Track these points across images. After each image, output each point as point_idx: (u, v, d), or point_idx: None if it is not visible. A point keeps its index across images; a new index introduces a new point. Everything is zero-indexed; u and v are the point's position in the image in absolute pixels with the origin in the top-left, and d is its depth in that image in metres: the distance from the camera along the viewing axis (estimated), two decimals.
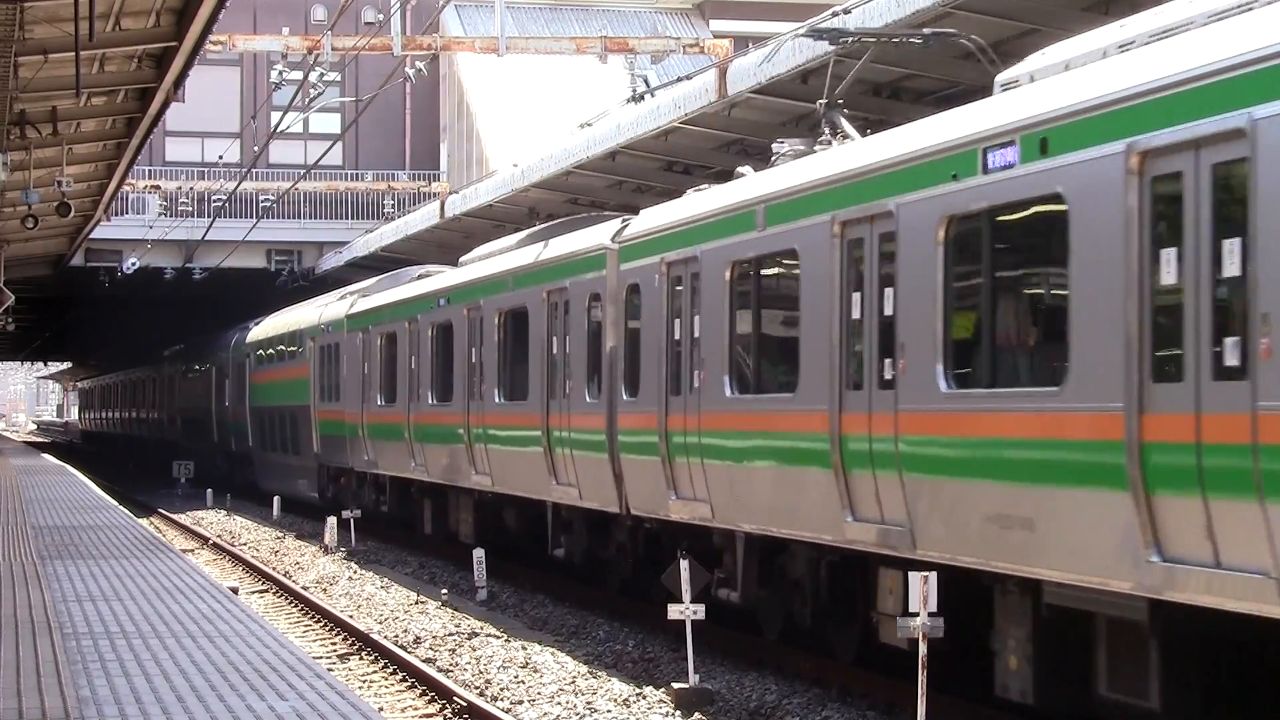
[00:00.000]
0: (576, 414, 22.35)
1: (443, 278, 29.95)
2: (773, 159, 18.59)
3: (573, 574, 25.57)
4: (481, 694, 17.56)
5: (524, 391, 24.57)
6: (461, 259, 30.03)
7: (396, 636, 21.87)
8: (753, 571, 18.06)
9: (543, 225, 27.68)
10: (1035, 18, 19.87)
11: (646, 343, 19.90)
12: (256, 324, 49.63)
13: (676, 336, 19.16)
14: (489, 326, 26.12)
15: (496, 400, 25.78)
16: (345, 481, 37.77)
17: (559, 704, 16.71)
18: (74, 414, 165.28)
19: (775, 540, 17.30)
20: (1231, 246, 10.56)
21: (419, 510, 32.11)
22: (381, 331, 32.94)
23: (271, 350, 45.94)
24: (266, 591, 28.01)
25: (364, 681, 18.91)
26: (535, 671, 18.60)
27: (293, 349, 42.83)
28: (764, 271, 17.19)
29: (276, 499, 43.49)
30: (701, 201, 18.91)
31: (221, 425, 53.94)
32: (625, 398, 20.60)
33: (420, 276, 33.22)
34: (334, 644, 21.95)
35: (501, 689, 17.68)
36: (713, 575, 17.99)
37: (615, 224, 21.87)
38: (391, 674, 19.22)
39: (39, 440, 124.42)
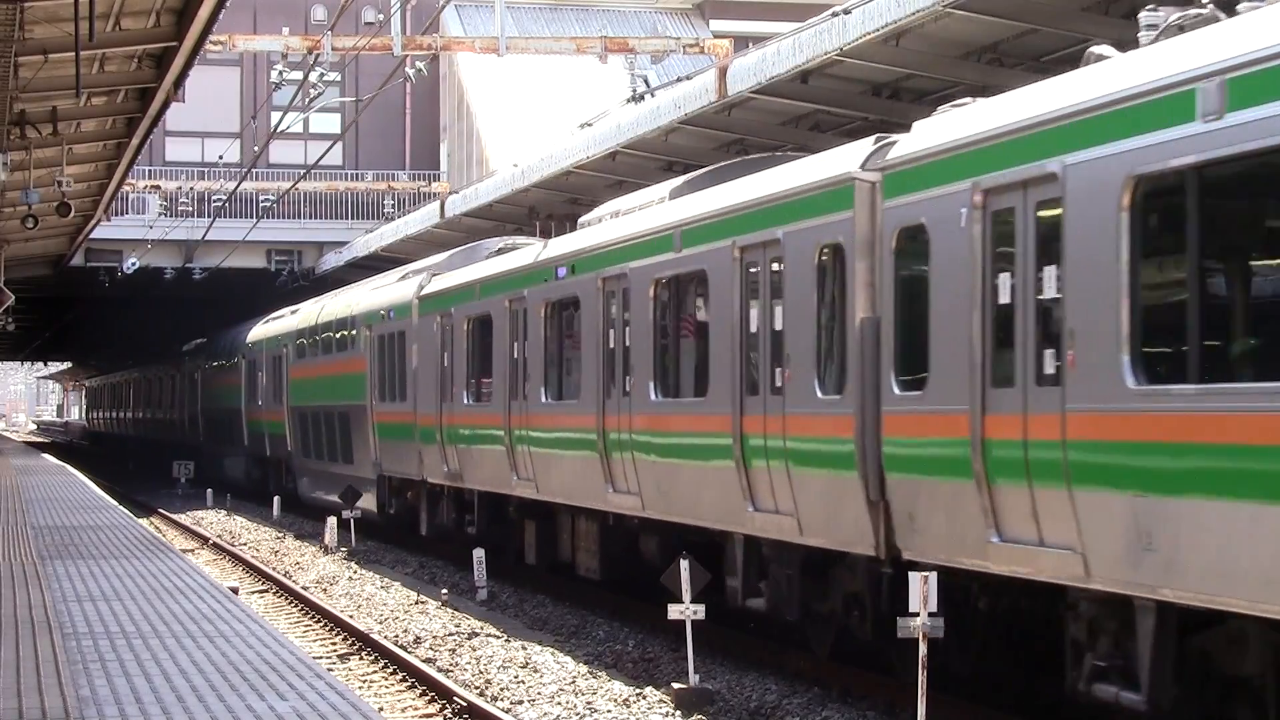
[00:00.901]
0: (801, 414, 16.27)
1: (562, 243, 23.81)
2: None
3: (769, 630, 19.78)
4: (481, 694, 17.56)
5: (699, 386, 18.63)
6: (582, 219, 24.60)
7: (396, 636, 21.87)
8: None
9: (697, 174, 21.84)
10: (1035, 18, 19.86)
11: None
12: (293, 311, 44.52)
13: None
14: (638, 302, 20.14)
15: (652, 398, 19.83)
16: (412, 496, 32.12)
17: (559, 704, 16.72)
18: (74, 414, 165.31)
19: None
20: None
21: (519, 535, 26.40)
22: (468, 314, 27.26)
23: (315, 341, 39.90)
24: (266, 591, 28.01)
25: (364, 681, 18.91)
26: (535, 671, 18.60)
27: (343, 339, 36.87)
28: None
29: (276, 499, 43.47)
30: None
31: (253, 427, 48.49)
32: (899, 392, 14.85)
33: (501, 250, 29.08)
34: (334, 644, 21.95)
35: (501, 689, 17.69)
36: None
37: (867, 145, 15.77)
38: (391, 674, 19.22)
39: (39, 440, 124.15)
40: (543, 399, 23.43)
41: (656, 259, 19.50)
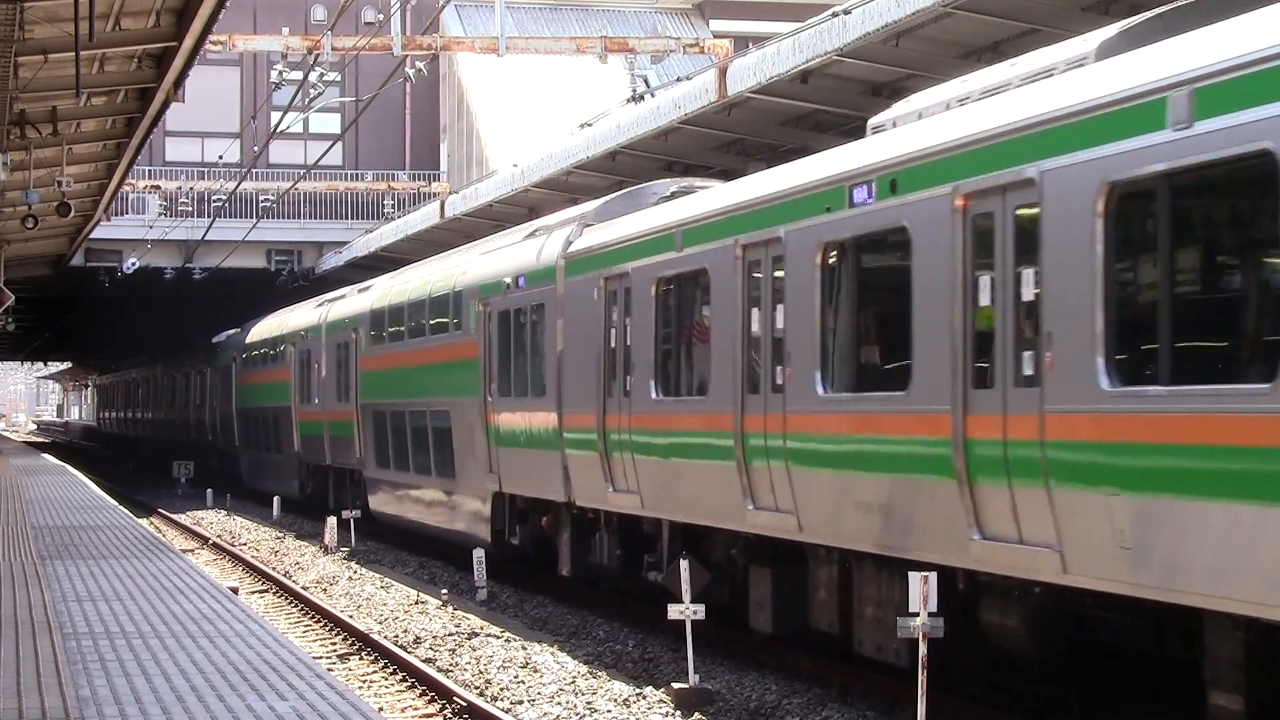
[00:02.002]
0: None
1: (853, 154, 15.78)
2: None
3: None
4: (481, 694, 17.56)
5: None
6: (873, 121, 16.70)
7: (396, 636, 21.87)
8: None
9: None
10: (1035, 18, 19.88)
11: None
12: (362, 289, 37.15)
13: None
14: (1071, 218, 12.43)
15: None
16: (549, 523, 24.19)
17: (559, 704, 16.72)
18: (74, 414, 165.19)
19: None
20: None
21: (740, 585, 18.78)
22: (661, 274, 19.53)
23: (398, 323, 32.26)
24: (266, 591, 28.01)
25: (364, 681, 18.91)
26: (535, 671, 18.61)
27: (440, 321, 29.22)
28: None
29: (276, 499, 43.46)
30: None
31: (307, 430, 40.77)
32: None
33: (678, 194, 22.14)
34: (334, 644, 21.95)
35: (501, 689, 17.69)
36: None
37: None
38: (391, 674, 19.23)
39: (39, 440, 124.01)
40: (820, 390, 15.85)
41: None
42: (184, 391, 65.64)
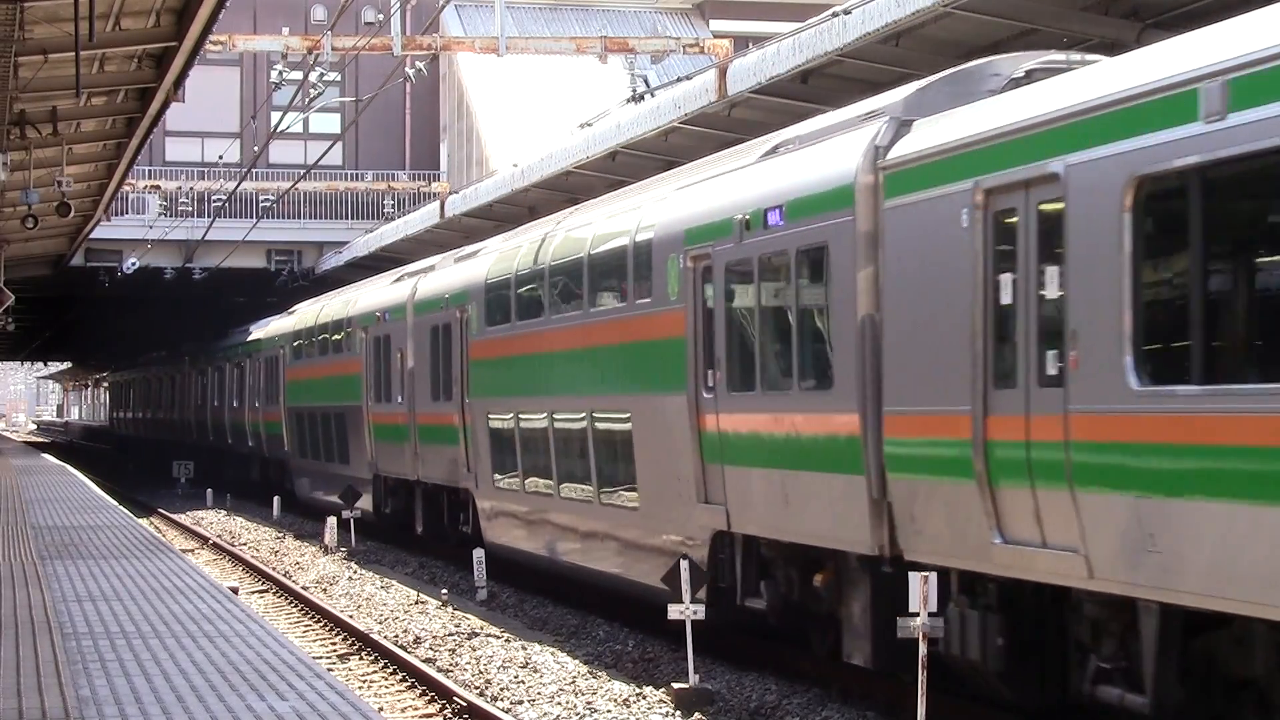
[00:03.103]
0: None
1: None
2: None
3: None
4: (481, 694, 17.57)
5: None
6: None
7: (396, 636, 21.87)
8: None
9: None
10: (1035, 17, 19.87)
11: None
12: (464, 257, 29.51)
13: None
14: None
15: None
16: (827, 583, 16.44)
17: (559, 704, 16.72)
18: (75, 414, 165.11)
19: None
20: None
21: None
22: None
23: (527, 301, 24.50)
24: (266, 591, 28.00)
25: (364, 681, 18.91)
26: (535, 671, 18.61)
27: (609, 287, 21.46)
28: None
29: (276, 499, 43.45)
30: None
31: (386, 435, 33.25)
32: None
33: (1035, 73, 15.05)
34: (334, 644, 21.95)
35: (501, 689, 17.69)
36: None
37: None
38: (391, 674, 19.23)
39: (39, 440, 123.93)
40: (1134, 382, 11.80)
41: None
42: (217, 388, 56.32)
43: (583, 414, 21.93)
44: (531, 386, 24.11)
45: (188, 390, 64.22)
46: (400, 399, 31.71)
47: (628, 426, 20.39)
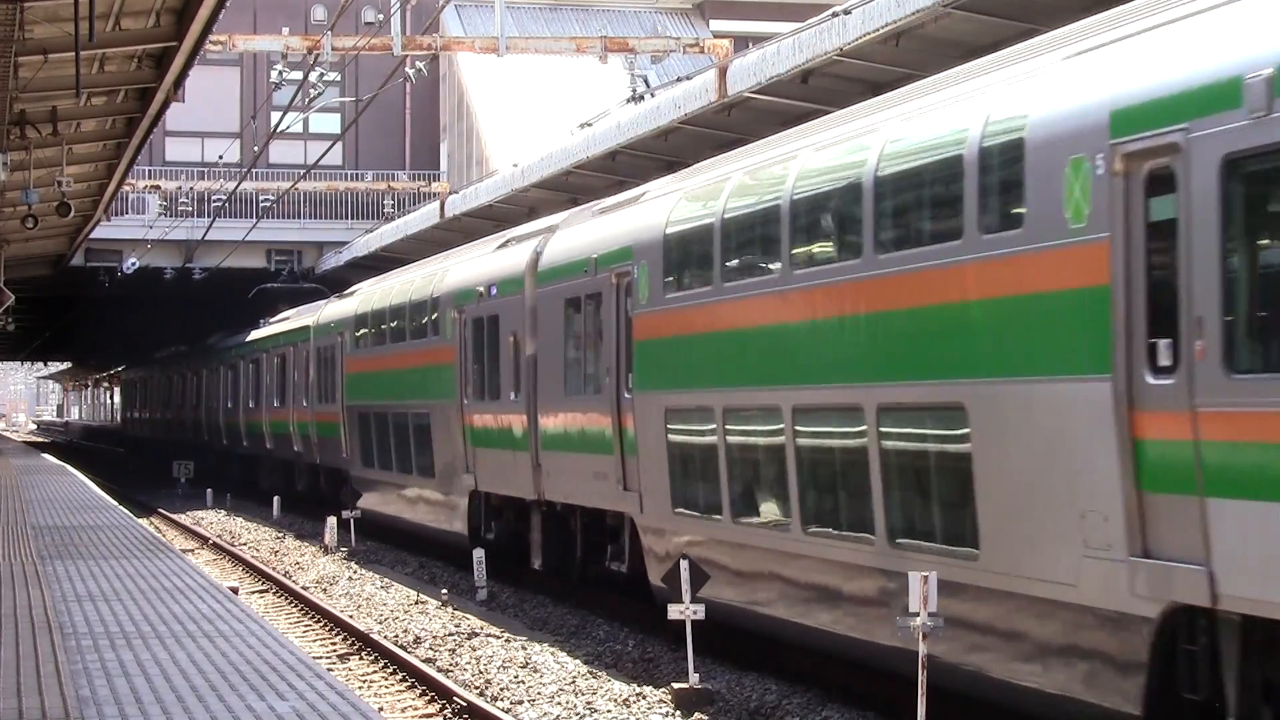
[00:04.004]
0: None
1: None
2: None
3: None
4: (481, 694, 17.57)
5: None
6: None
7: (396, 636, 21.87)
8: None
9: None
10: (1035, 17, 19.86)
11: None
12: (605, 209, 23.18)
13: None
14: None
15: None
16: None
17: (559, 704, 16.72)
18: (75, 414, 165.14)
19: None
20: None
21: None
22: None
23: (742, 251, 17.89)
24: (266, 591, 28.00)
25: (364, 681, 18.92)
26: (535, 671, 18.61)
27: (918, 220, 14.67)
28: None
29: (276, 498, 43.41)
30: None
31: (489, 442, 26.39)
32: None
33: None
34: (334, 644, 21.95)
35: (501, 689, 17.69)
36: None
37: None
38: (391, 674, 19.23)
39: (40, 440, 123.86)
40: None
41: None
42: (252, 384, 49.93)
43: (857, 412, 15.03)
44: (752, 373, 17.01)
45: (215, 387, 56.89)
46: (515, 395, 24.79)
47: (963, 435, 13.52)
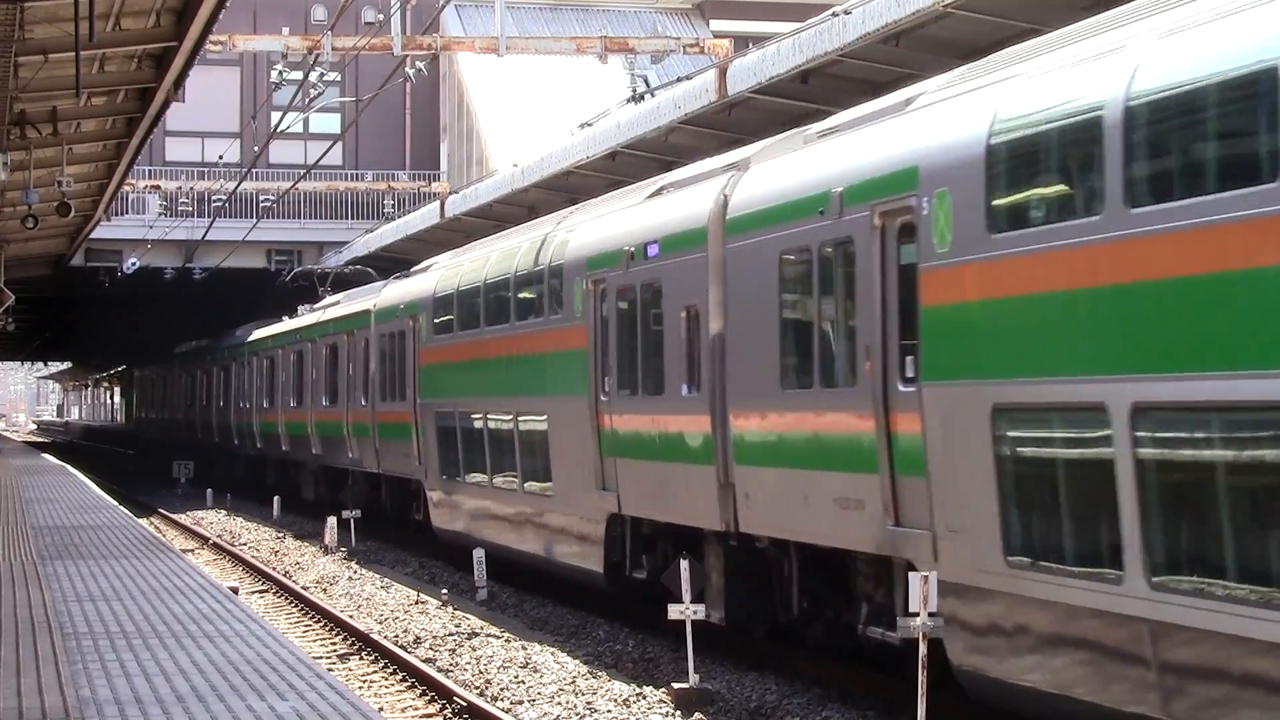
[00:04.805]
0: None
1: None
2: None
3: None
4: (481, 694, 17.57)
5: None
6: None
7: (396, 636, 21.87)
8: None
9: None
10: (1035, 17, 19.86)
11: None
12: (784, 144, 18.52)
13: None
14: None
15: None
16: None
17: (559, 704, 16.73)
18: (75, 414, 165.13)
19: None
20: None
21: None
22: None
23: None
24: (266, 591, 28.00)
25: (364, 681, 18.92)
26: (535, 671, 18.61)
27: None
28: None
29: (276, 498, 43.37)
30: None
31: (638, 450, 20.54)
32: None
33: None
34: (334, 644, 21.95)
35: (501, 689, 17.69)
36: None
37: None
38: (391, 674, 19.23)
39: (40, 440, 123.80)
40: None
41: None
42: (293, 380, 44.00)
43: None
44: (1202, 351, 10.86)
45: (247, 383, 51.01)
46: (690, 389, 18.80)
47: None
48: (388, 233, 49.06)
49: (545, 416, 23.36)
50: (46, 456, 66.41)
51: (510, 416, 25.02)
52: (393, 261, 44.34)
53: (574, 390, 22.08)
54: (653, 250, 19.79)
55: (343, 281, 46.18)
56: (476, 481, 26.98)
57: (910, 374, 14.26)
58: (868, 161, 15.11)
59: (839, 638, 16.79)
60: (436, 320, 29.50)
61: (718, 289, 18.08)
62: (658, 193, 21.07)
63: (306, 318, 44.03)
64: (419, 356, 30.66)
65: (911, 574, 13.55)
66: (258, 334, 50.36)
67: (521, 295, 24.86)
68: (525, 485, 24.50)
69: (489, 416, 26.17)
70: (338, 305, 40.47)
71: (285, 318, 47.69)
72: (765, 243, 16.89)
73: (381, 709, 16.86)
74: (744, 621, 18.49)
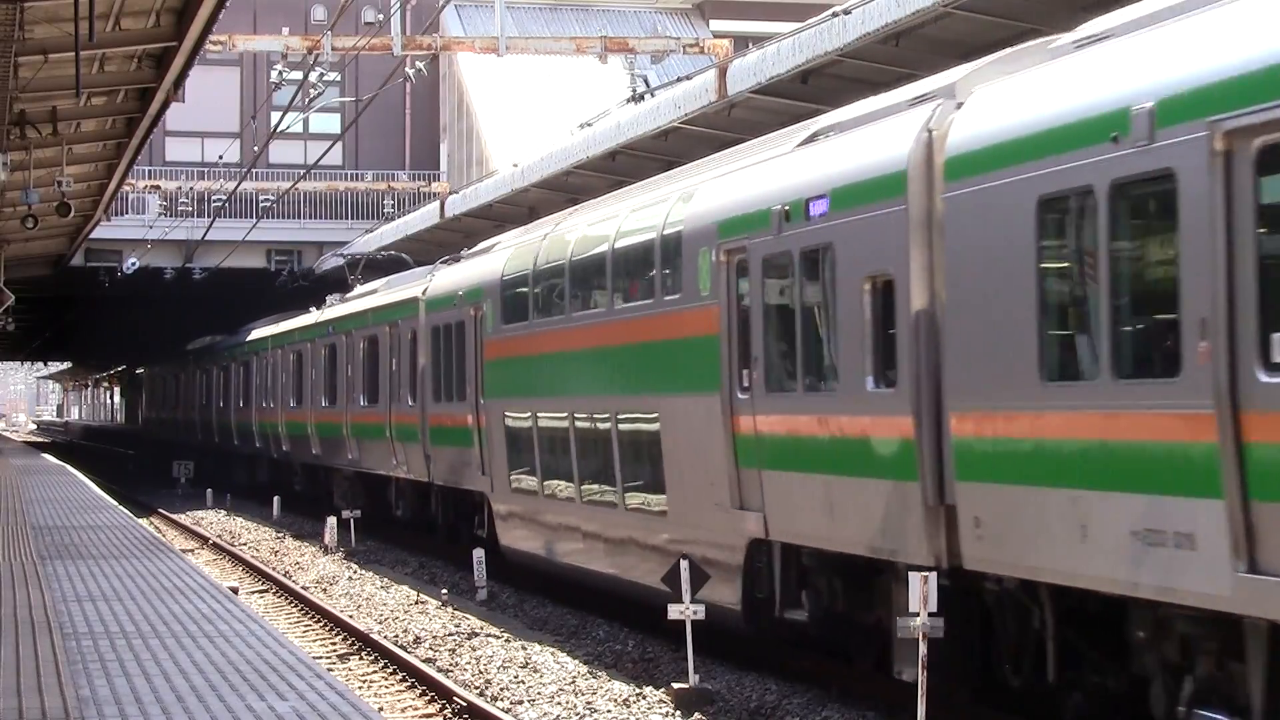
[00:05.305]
0: None
1: None
2: None
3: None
4: (481, 694, 17.57)
5: None
6: None
7: (396, 636, 21.87)
8: None
9: None
10: (1035, 17, 19.87)
11: None
12: (1021, 57, 14.71)
13: None
14: None
15: None
16: None
17: (559, 704, 16.72)
18: (75, 414, 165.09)
19: None
20: None
21: None
22: None
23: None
24: (266, 591, 28.00)
25: (364, 681, 18.92)
26: (535, 671, 18.61)
27: None
28: None
29: (276, 497, 43.37)
30: None
31: (809, 461, 16.10)
32: None
33: None
34: (334, 644, 21.95)
35: (501, 689, 17.69)
36: None
37: None
38: (391, 674, 19.23)
39: (40, 440, 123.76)
40: None
41: None
42: (324, 377, 40.51)
43: None
44: None
45: (269, 382, 47.40)
46: (878, 383, 14.84)
47: None
48: (387, 233, 49.05)
49: (656, 417, 19.44)
50: (46, 456, 66.40)
51: (606, 418, 21.00)
52: (393, 261, 44.31)
53: (698, 386, 18.24)
54: (818, 207, 15.83)
55: (373, 270, 43.24)
56: (559, 495, 22.99)
57: (1278, 359, 10.30)
58: (1201, 65, 11.02)
59: (1109, 711, 12.95)
60: (506, 308, 25.37)
61: (922, 251, 14.11)
62: (811, 139, 17.04)
63: (338, 308, 40.28)
64: (483, 350, 26.56)
65: (911, 574, 13.49)
66: (282, 327, 46.34)
67: (622, 274, 20.90)
68: (627, 500, 20.55)
69: (576, 418, 22.09)
70: (375, 294, 36.69)
71: (312, 309, 44.15)
72: (1011, 186, 12.80)
73: (381, 709, 16.86)
74: (944, 676, 14.51)
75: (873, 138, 15.32)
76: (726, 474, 17.51)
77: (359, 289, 40.15)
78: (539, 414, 23.65)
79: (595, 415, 21.44)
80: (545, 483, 23.47)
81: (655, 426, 19.44)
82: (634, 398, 20.18)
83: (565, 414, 22.47)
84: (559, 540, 23.47)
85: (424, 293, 31.03)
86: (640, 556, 20.24)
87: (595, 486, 21.61)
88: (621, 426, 20.52)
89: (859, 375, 14.93)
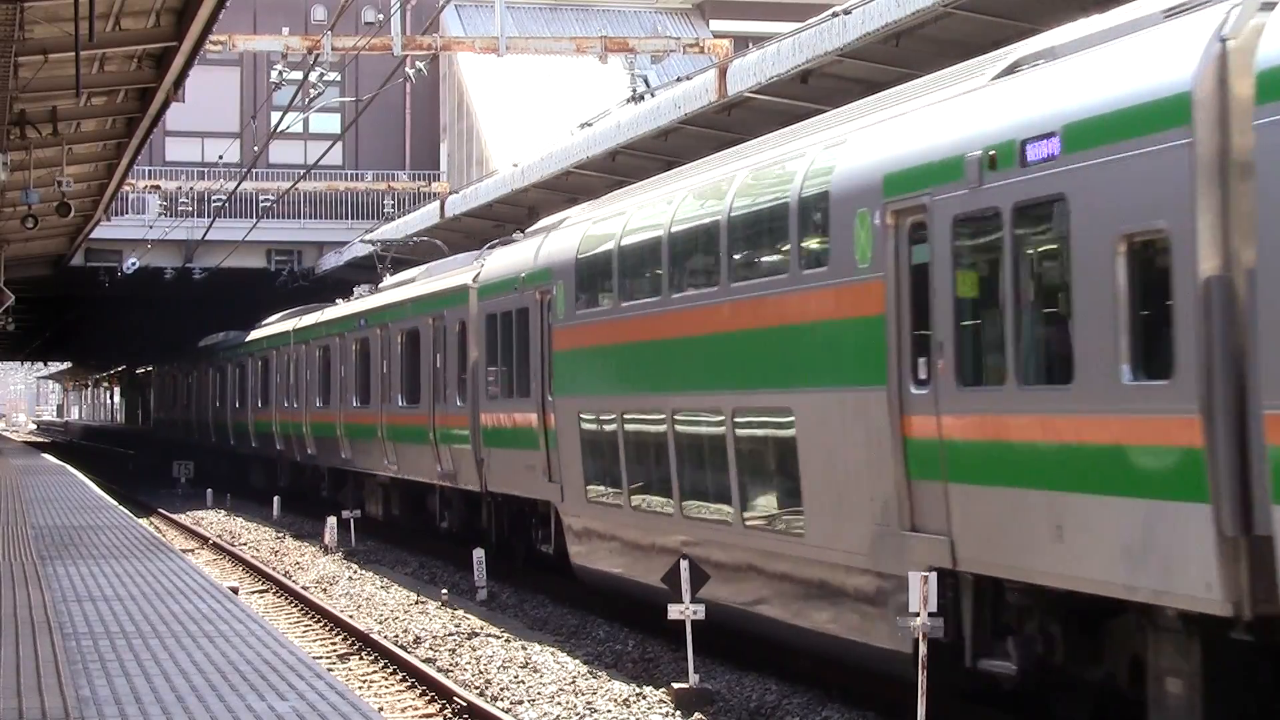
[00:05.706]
0: None
1: None
2: None
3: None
4: (481, 694, 17.57)
5: None
6: None
7: (396, 636, 21.87)
8: None
9: None
10: (1036, 17, 19.86)
11: None
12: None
13: None
14: None
15: None
16: None
17: (559, 704, 16.72)
18: (75, 414, 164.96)
19: None
20: None
21: None
22: None
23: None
24: (266, 591, 28.00)
25: (364, 681, 18.92)
26: (535, 671, 18.61)
27: None
28: None
29: (276, 497, 43.36)
30: None
31: (987, 470, 13.10)
32: None
33: None
34: (334, 644, 21.95)
35: (501, 689, 17.69)
36: None
37: None
38: (391, 674, 19.23)
39: (40, 440, 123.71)
40: None
41: None
42: (358, 374, 37.17)
43: None
44: None
45: (294, 379, 43.84)
46: (1140, 373, 11.49)
47: None
48: (387, 233, 49.04)
49: (791, 419, 16.08)
50: (46, 456, 66.40)
51: (720, 419, 17.63)
52: (393, 261, 44.29)
53: (853, 379, 14.91)
54: (1041, 150, 12.38)
55: (401, 262, 40.83)
56: (650, 507, 19.70)
57: None
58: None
59: None
60: (583, 290, 21.88)
61: (1214, 200, 10.71)
62: (1013, 69, 13.51)
63: (369, 299, 37.32)
64: (552, 340, 23.04)
65: (911, 574, 13.47)
66: (306, 320, 43.04)
67: (744, 245, 17.48)
68: (747, 517, 17.30)
69: (676, 418, 18.71)
70: (414, 284, 33.60)
71: (339, 301, 41.62)
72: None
73: (381, 709, 16.86)
74: None
75: (1128, 57, 11.77)
76: (894, 488, 14.16)
77: (389, 279, 37.58)
78: (624, 413, 20.25)
79: (705, 416, 18.12)
80: (633, 493, 20.17)
81: (789, 430, 16.12)
82: (760, 393, 16.77)
83: (662, 413, 19.06)
84: (650, 560, 19.80)
85: (475, 279, 27.91)
86: (764, 584, 17.08)
87: (701, 500, 18.38)
88: (739, 430, 17.23)
89: (1109, 363, 11.48)
